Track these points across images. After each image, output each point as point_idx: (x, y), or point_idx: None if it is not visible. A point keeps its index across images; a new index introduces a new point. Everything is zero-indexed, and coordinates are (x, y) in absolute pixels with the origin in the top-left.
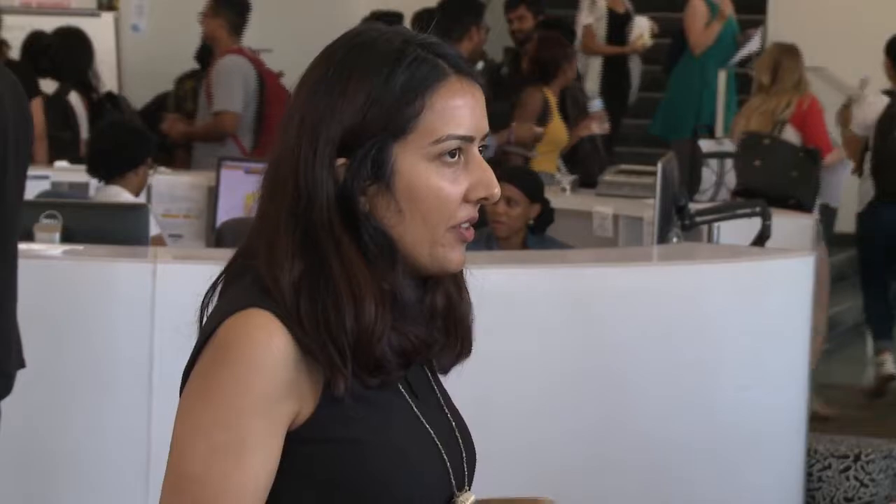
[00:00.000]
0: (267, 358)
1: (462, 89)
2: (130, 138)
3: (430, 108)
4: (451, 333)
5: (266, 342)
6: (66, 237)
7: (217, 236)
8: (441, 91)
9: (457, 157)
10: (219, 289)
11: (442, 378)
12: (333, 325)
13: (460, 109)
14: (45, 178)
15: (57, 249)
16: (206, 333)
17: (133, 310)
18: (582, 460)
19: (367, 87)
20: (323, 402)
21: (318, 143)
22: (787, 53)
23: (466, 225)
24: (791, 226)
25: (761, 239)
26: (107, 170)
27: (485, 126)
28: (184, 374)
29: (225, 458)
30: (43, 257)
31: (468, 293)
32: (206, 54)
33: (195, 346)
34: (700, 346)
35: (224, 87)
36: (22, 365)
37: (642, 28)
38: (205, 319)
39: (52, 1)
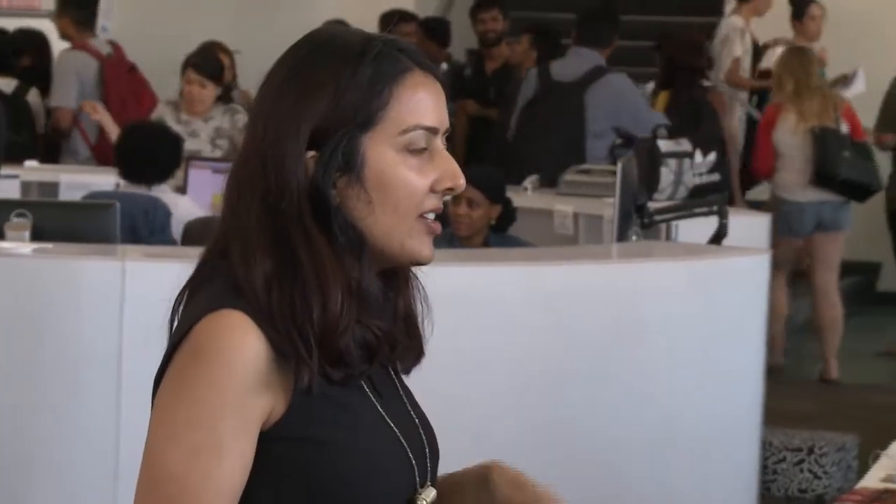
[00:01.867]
0: (241, 358)
1: (425, 82)
2: (172, 141)
3: (397, 100)
4: (412, 335)
5: (239, 343)
6: (36, 235)
7: (184, 235)
8: (406, 83)
9: (424, 149)
10: (187, 291)
11: (405, 377)
12: (300, 315)
13: (425, 101)
14: (16, 178)
15: (27, 247)
16: (180, 335)
17: (102, 307)
18: (544, 454)
19: (335, 82)
20: (294, 401)
21: (287, 138)
22: (804, 55)
23: (433, 216)
24: (748, 224)
25: (718, 237)
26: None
27: (446, 120)
28: (157, 375)
29: (204, 458)
30: (13, 255)
31: (424, 297)
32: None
33: (168, 348)
34: (658, 342)
35: (58, 84)
36: None
37: None
38: (176, 321)
39: (23, 3)
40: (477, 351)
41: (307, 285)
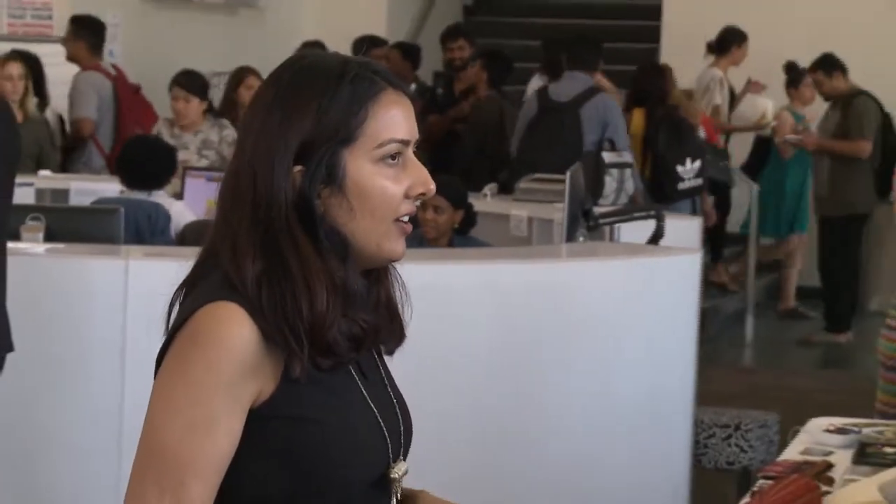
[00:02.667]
0: (234, 344)
1: (397, 100)
2: (167, 152)
3: (373, 117)
4: (394, 321)
5: (233, 330)
6: (49, 237)
7: (180, 236)
8: (381, 101)
9: (397, 159)
10: (185, 286)
11: (388, 358)
12: (291, 313)
13: (397, 117)
14: (31, 185)
15: (41, 248)
16: (180, 321)
17: (108, 301)
18: (499, 433)
19: (317, 102)
20: (281, 383)
21: (275, 155)
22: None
23: (406, 219)
24: (682, 227)
25: (656, 238)
26: (156, 180)
27: (416, 132)
28: (157, 358)
29: (197, 432)
30: (28, 254)
31: (402, 285)
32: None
33: (168, 333)
34: (602, 332)
35: (79, 98)
36: (11, 348)
37: (765, 107)
38: (174, 311)
39: (36, 30)
40: (441, 338)
41: (296, 285)
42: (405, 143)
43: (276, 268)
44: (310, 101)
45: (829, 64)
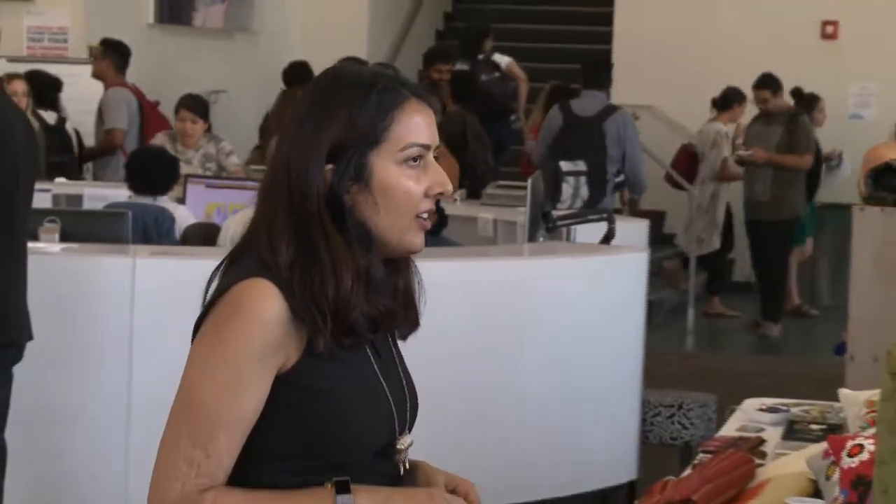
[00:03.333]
0: (266, 317)
1: (420, 109)
2: (170, 162)
3: (398, 123)
4: (409, 309)
5: (266, 304)
6: (64, 237)
7: (183, 237)
8: (405, 109)
9: (418, 161)
10: (224, 264)
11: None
12: (318, 294)
13: (419, 124)
14: (48, 191)
15: (57, 247)
16: (217, 294)
17: (117, 295)
18: (469, 409)
19: (348, 110)
20: (304, 355)
21: (310, 154)
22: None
23: (426, 216)
24: (631, 229)
25: (608, 238)
26: (161, 187)
27: (437, 138)
28: (196, 322)
29: (229, 392)
30: (46, 253)
31: (420, 279)
32: (293, 75)
33: (207, 304)
34: (560, 321)
35: (112, 111)
36: (31, 337)
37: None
38: (211, 289)
39: (53, 52)
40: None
41: (324, 270)
42: (426, 147)
43: (307, 253)
44: (342, 108)
45: (773, 82)
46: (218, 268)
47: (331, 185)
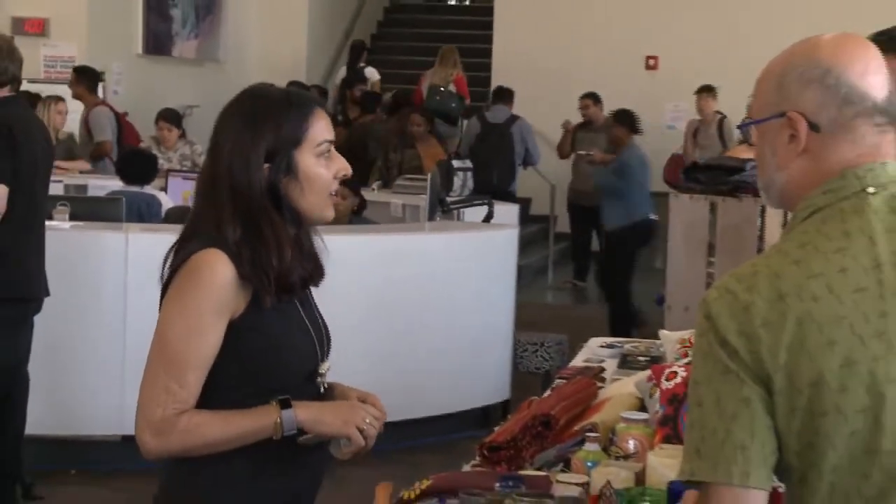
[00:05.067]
0: (220, 278)
1: (322, 115)
2: (151, 158)
3: (312, 127)
4: (318, 264)
5: (219, 268)
6: (73, 217)
7: (166, 217)
8: (315, 116)
9: (327, 153)
10: (177, 246)
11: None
12: (265, 264)
13: (324, 126)
14: (60, 182)
15: (67, 225)
16: (179, 262)
17: (114, 262)
18: (380, 347)
19: (275, 121)
20: (249, 308)
21: (250, 159)
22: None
23: (335, 193)
24: (505, 211)
25: (488, 218)
26: (145, 178)
27: (333, 134)
28: (162, 288)
29: (194, 336)
30: (58, 230)
31: (322, 240)
32: (398, 103)
33: (169, 272)
34: (451, 281)
35: (99, 126)
36: (48, 293)
37: None
38: (167, 264)
39: (64, 75)
40: (342, 288)
41: (269, 246)
42: (331, 142)
43: (253, 234)
44: (270, 118)
45: (595, 96)
46: (172, 248)
47: (269, 179)
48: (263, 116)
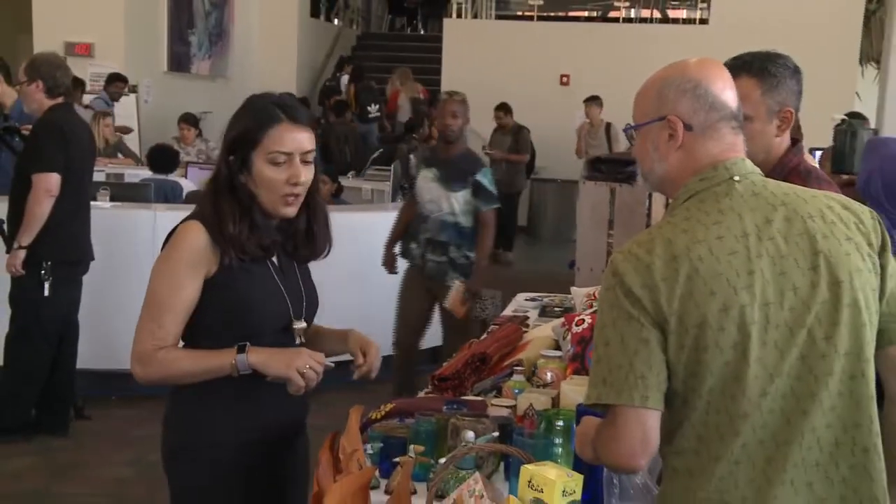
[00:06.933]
0: (194, 241)
1: (290, 128)
2: (173, 151)
3: (269, 136)
4: (307, 243)
5: (194, 234)
6: (112, 199)
7: (186, 198)
8: (277, 128)
9: (284, 162)
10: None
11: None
12: (227, 233)
13: (285, 138)
14: (102, 171)
15: (108, 205)
16: (169, 234)
17: (144, 234)
18: (356, 309)
19: (243, 124)
20: (221, 267)
21: (223, 151)
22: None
23: (291, 197)
24: None
25: None
26: (170, 168)
27: (303, 147)
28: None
29: (172, 286)
30: (101, 209)
31: (326, 222)
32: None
33: (165, 241)
34: (367, 243)
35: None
36: (93, 258)
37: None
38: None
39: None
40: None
41: (223, 220)
42: (289, 154)
43: (219, 209)
44: (238, 122)
45: (507, 107)
46: (182, 221)
47: (229, 169)
48: (237, 117)
